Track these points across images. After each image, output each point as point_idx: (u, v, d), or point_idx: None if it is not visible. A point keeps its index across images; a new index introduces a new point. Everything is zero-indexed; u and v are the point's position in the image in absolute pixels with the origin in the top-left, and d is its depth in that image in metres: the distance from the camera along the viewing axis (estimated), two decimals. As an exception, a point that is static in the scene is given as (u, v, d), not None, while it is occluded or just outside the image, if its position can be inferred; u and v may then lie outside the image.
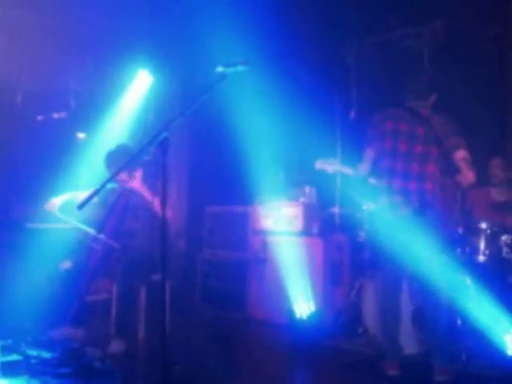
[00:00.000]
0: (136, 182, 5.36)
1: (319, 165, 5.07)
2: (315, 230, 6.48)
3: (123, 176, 5.32)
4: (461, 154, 4.53)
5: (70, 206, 5.50)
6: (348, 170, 4.98)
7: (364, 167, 4.86)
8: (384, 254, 4.68)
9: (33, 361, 4.45)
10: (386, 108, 4.86)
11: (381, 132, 4.74)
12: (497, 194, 5.82)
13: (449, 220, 5.02)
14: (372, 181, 4.93)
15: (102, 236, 5.33)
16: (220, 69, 3.49)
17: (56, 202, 5.53)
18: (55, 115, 6.97)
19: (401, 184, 4.60)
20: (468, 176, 4.54)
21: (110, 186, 5.42)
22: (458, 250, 5.15)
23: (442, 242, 4.59)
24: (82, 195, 5.49)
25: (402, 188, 4.59)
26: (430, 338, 4.67)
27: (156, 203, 4.76)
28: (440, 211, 4.60)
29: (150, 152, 3.50)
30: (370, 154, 4.81)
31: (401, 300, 4.73)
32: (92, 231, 5.41)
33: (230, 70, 3.48)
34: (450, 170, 4.63)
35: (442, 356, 4.50)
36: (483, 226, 5.13)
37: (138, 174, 5.36)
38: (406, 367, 4.63)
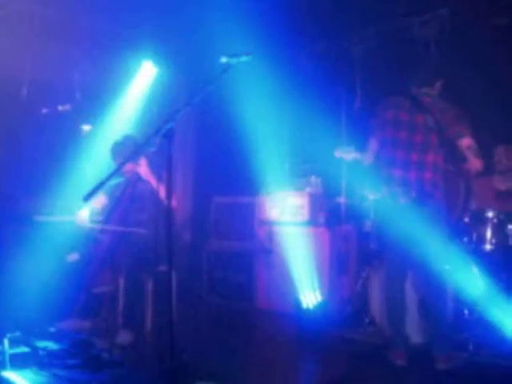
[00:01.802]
0: (142, 168, 5.35)
1: (338, 153, 5.09)
2: (321, 219, 6.48)
3: (129, 166, 5.33)
4: (465, 142, 4.49)
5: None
6: (363, 158, 4.98)
7: (367, 157, 4.87)
8: (387, 243, 4.69)
9: (41, 353, 4.47)
10: (388, 97, 4.83)
11: (382, 121, 4.73)
12: (499, 183, 5.77)
13: (451, 209, 4.99)
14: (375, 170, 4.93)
15: (108, 226, 5.33)
16: (224, 59, 3.48)
17: (84, 214, 5.50)
18: (60, 108, 6.97)
19: (400, 173, 4.58)
20: (475, 164, 4.51)
21: (114, 181, 5.43)
22: (465, 239, 5.15)
23: (444, 231, 4.57)
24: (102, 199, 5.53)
25: (401, 177, 4.58)
26: (433, 326, 4.65)
27: (161, 191, 4.74)
28: (441, 201, 4.57)
29: (155, 143, 3.50)
30: (373, 144, 4.81)
31: (405, 289, 4.73)
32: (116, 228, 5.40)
33: (234, 60, 3.47)
34: (455, 158, 4.60)
35: (444, 345, 4.50)
36: (490, 214, 5.12)
37: (143, 161, 5.35)
38: (412, 357, 4.63)
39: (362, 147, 4.97)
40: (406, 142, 4.60)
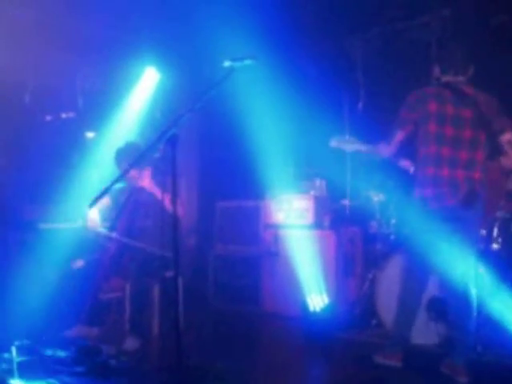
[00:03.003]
0: (145, 181, 5.34)
1: (334, 143, 4.83)
2: (326, 222, 6.47)
3: (133, 173, 5.32)
4: (507, 137, 4.29)
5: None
6: (369, 149, 4.77)
7: (389, 149, 4.61)
8: (414, 247, 4.46)
9: (48, 360, 4.47)
10: (425, 87, 4.52)
11: (423, 114, 4.37)
12: (508, 182, 5.74)
13: (494, 208, 4.89)
14: (402, 164, 4.79)
15: (114, 234, 5.32)
16: (227, 63, 3.48)
17: (95, 217, 5.42)
18: (63, 115, 6.97)
19: (448, 173, 4.32)
20: None
21: (118, 185, 5.41)
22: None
23: (479, 235, 4.48)
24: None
25: (449, 177, 4.32)
26: (456, 333, 4.50)
27: (167, 200, 4.69)
28: (487, 200, 4.40)
29: (159, 149, 3.51)
30: (398, 136, 4.51)
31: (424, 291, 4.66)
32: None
33: (238, 64, 3.48)
34: (495, 153, 4.39)
35: (464, 353, 4.36)
36: (496, 213, 5.09)
37: (147, 172, 5.35)
38: (413, 358, 4.61)
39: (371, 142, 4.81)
40: (452, 138, 4.32)
